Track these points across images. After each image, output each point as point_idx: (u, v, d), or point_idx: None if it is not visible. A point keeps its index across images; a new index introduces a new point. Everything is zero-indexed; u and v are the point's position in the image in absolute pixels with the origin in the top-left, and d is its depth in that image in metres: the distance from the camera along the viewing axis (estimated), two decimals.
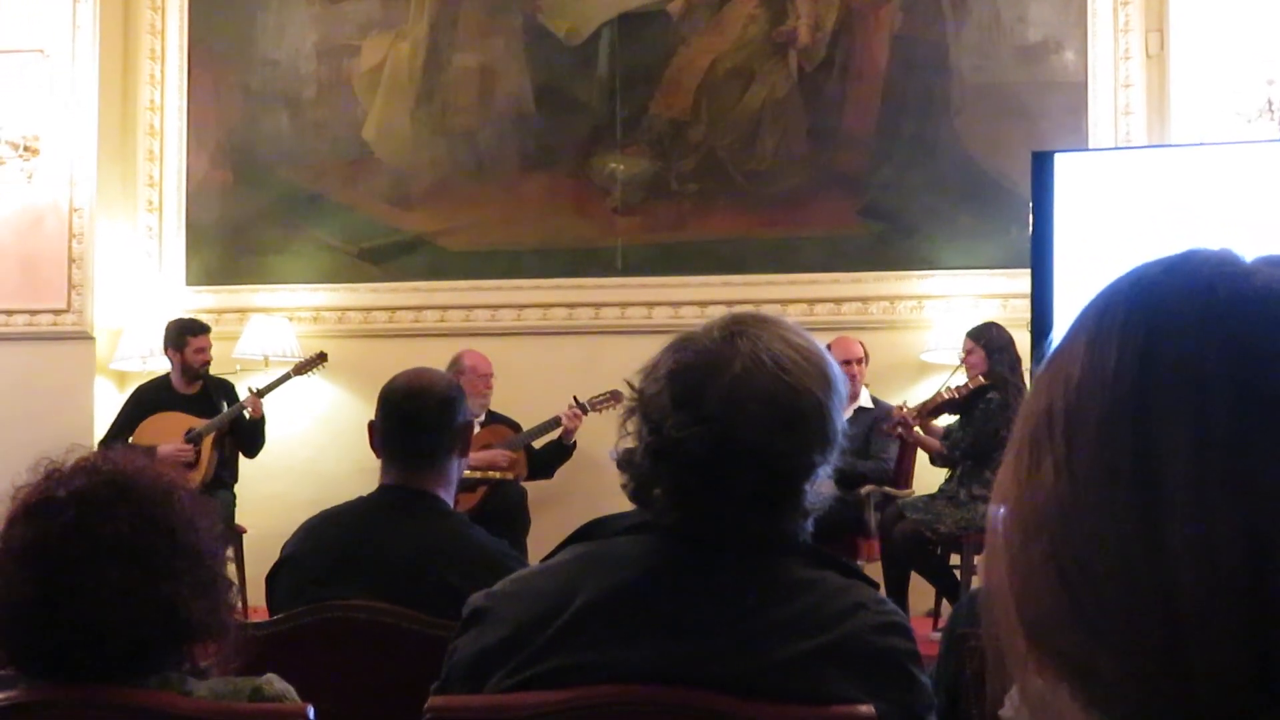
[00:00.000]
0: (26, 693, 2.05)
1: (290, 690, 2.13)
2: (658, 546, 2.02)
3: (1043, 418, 0.90)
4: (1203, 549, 0.82)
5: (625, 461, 2.05)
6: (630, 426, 2.04)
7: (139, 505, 2.07)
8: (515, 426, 8.44)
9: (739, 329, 2.02)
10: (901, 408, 7.81)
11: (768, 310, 8.42)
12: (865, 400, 8.01)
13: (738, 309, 2.10)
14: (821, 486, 2.05)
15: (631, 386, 2.07)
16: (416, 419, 3.42)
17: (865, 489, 7.67)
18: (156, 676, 2.07)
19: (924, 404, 7.83)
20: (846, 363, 7.88)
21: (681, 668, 1.93)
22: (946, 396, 7.67)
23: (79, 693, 2.05)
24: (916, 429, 7.73)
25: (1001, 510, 0.92)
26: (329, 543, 3.37)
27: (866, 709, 1.88)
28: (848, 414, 7.73)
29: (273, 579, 3.44)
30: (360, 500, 3.47)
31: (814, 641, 1.93)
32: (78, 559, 2.02)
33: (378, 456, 3.51)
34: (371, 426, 3.51)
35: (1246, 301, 0.86)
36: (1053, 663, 0.87)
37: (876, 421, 7.84)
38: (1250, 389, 0.83)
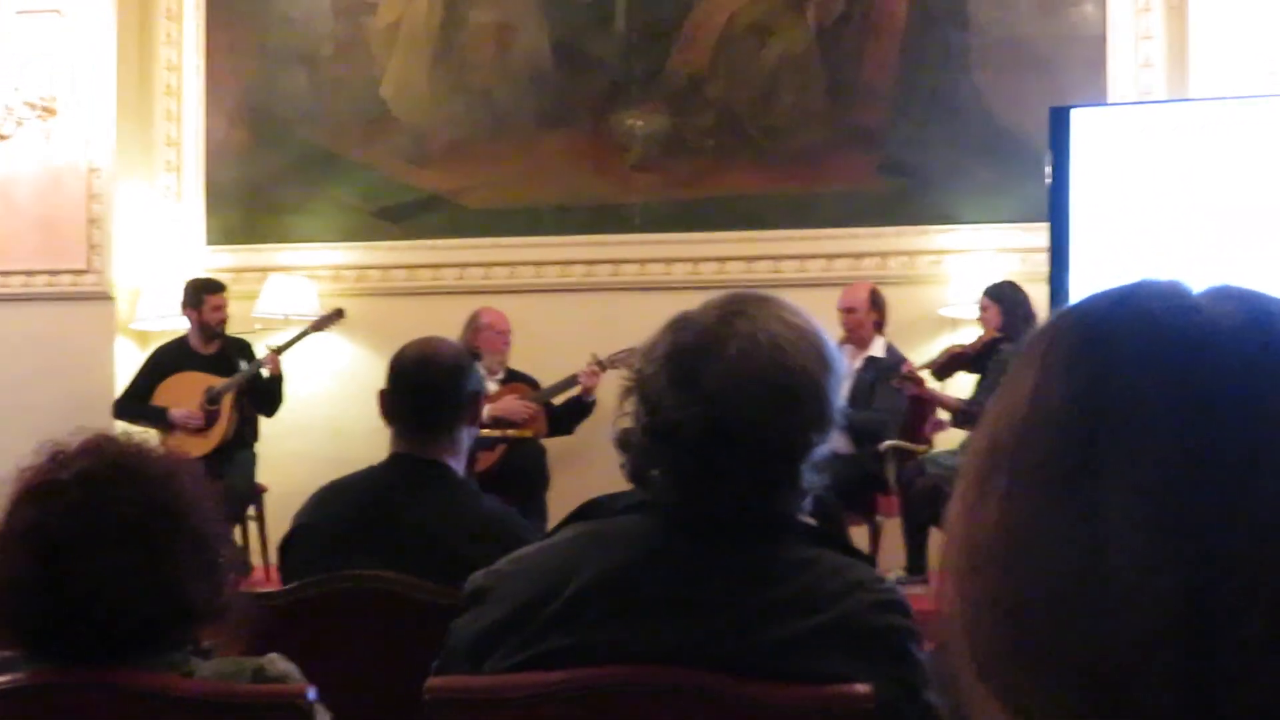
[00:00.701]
0: (30, 676, 2.07)
1: (294, 670, 2.15)
2: (656, 527, 2.02)
3: (989, 450, 0.90)
4: (1143, 590, 0.82)
5: (623, 442, 2.06)
6: (628, 407, 2.05)
7: (142, 488, 2.09)
8: (534, 384, 8.45)
9: (736, 309, 2.02)
10: (909, 365, 7.81)
11: (786, 266, 8.55)
12: (878, 349, 7.95)
13: (737, 290, 2.09)
14: (820, 462, 2.05)
15: (629, 366, 2.08)
16: (426, 388, 3.44)
17: (884, 445, 7.67)
18: (161, 658, 2.09)
19: (935, 360, 7.82)
20: (848, 310, 7.87)
21: (680, 648, 1.94)
22: (957, 351, 7.67)
23: (82, 675, 2.07)
24: (932, 385, 7.71)
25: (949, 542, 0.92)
26: (340, 512, 3.38)
27: (864, 688, 1.89)
28: (857, 363, 7.73)
29: (285, 548, 3.47)
30: (370, 469, 3.48)
31: (812, 621, 1.94)
32: (80, 540, 2.04)
33: (388, 425, 3.52)
34: (382, 395, 3.53)
35: (1193, 339, 0.86)
36: (999, 698, 0.87)
37: (884, 372, 7.80)
38: (1195, 431, 0.83)
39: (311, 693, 2.08)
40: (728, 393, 1.96)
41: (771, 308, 2.04)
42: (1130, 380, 0.85)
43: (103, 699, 2.07)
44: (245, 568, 7.56)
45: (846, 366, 7.85)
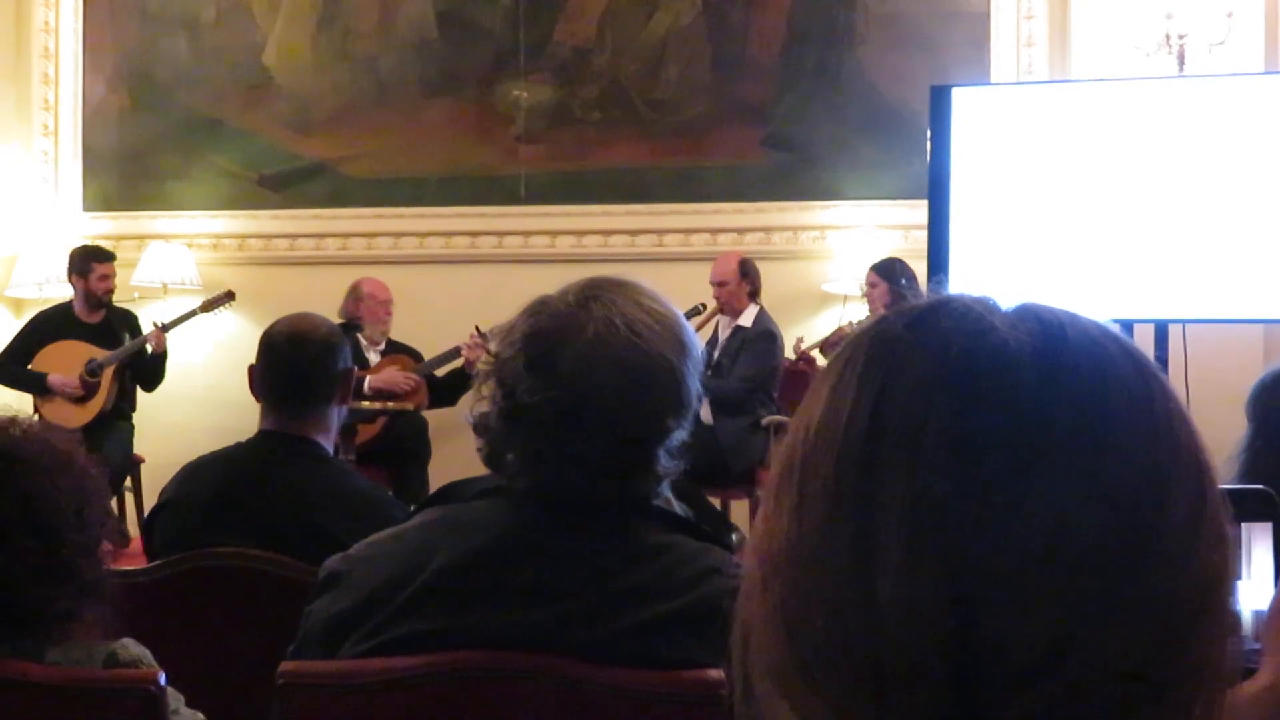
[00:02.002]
0: None
1: (146, 654, 2.12)
2: (511, 511, 2.02)
3: (785, 463, 0.91)
4: (910, 606, 0.82)
5: (480, 425, 2.05)
6: (485, 390, 2.04)
7: (10, 479, 2.06)
8: (416, 355, 8.41)
9: (594, 293, 2.02)
10: (799, 342, 7.86)
11: (670, 240, 8.56)
12: (745, 320, 7.97)
13: (595, 275, 2.08)
14: (677, 447, 2.05)
15: (486, 350, 2.07)
16: (296, 365, 3.41)
17: (766, 420, 7.70)
18: (8, 644, 2.05)
19: (826, 339, 7.86)
20: (720, 283, 7.91)
21: (534, 633, 1.94)
22: (847, 330, 7.71)
23: None
24: (823, 363, 7.75)
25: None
26: (206, 488, 3.35)
27: (716, 674, 1.90)
28: (726, 332, 7.76)
29: (150, 524, 3.43)
30: (238, 445, 3.44)
31: (666, 606, 1.94)
32: None
33: (258, 401, 3.49)
34: (252, 371, 3.49)
35: (976, 363, 0.86)
36: (786, 706, 0.88)
37: (747, 341, 7.82)
38: (965, 454, 0.83)
39: (162, 678, 2.06)
40: (583, 377, 1.95)
41: (629, 292, 2.04)
42: (910, 401, 0.86)
43: None
44: (123, 539, 7.48)
45: (716, 337, 7.90)
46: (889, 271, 7.81)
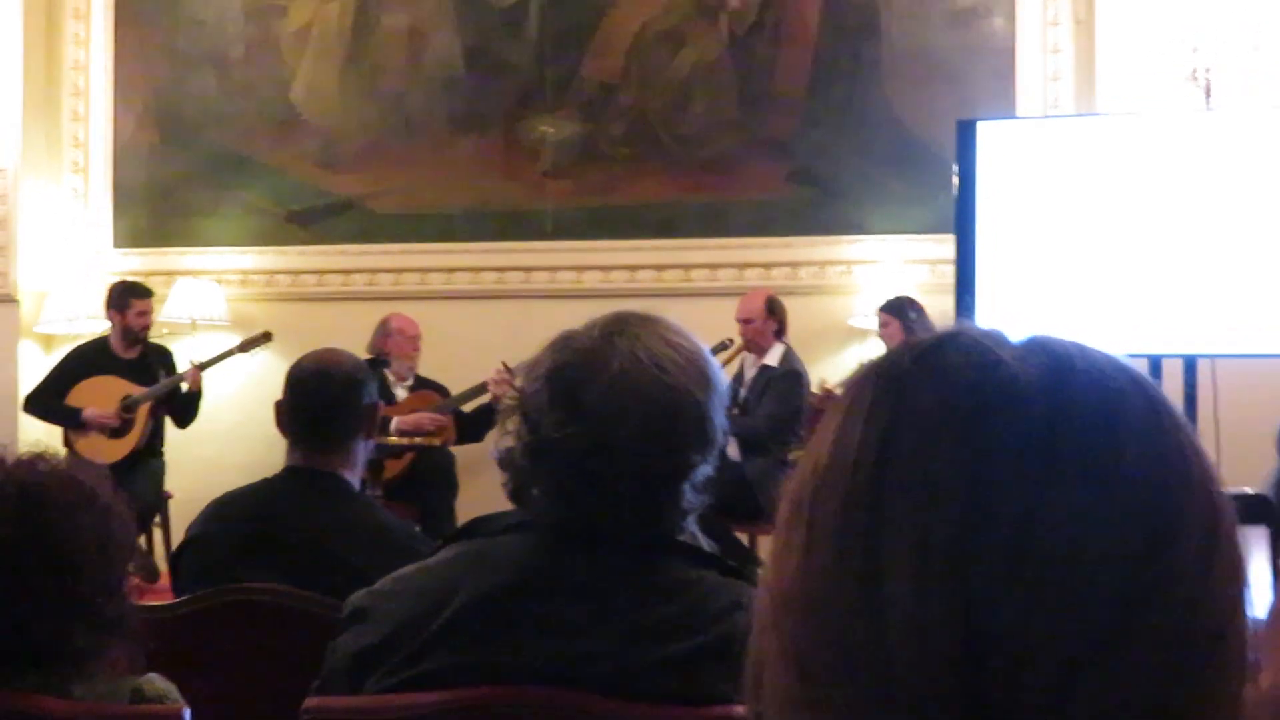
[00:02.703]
0: None
1: (172, 690, 2.13)
2: (536, 546, 2.01)
3: (794, 501, 0.90)
4: (920, 642, 0.82)
5: (505, 460, 2.05)
6: (510, 425, 2.04)
7: (32, 513, 2.06)
8: (443, 391, 8.42)
9: (619, 328, 2.02)
10: (824, 384, 7.85)
11: (697, 275, 8.56)
12: (772, 359, 7.98)
13: (621, 310, 2.08)
14: (702, 482, 2.05)
15: (512, 385, 2.07)
16: (322, 400, 3.42)
17: (791, 455, 7.69)
18: (35, 676, 2.06)
19: (849, 378, 7.84)
20: (746, 321, 7.91)
21: (559, 668, 1.93)
22: None
23: None
24: None
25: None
26: (233, 524, 3.36)
27: (741, 710, 1.88)
28: (753, 370, 7.75)
29: (176, 560, 3.44)
30: (265, 481, 3.45)
31: (691, 642, 1.94)
32: None
33: (285, 437, 3.50)
34: (278, 407, 3.51)
35: (984, 398, 0.85)
36: None
37: (773, 380, 7.82)
38: (973, 488, 0.83)
39: (187, 714, 2.05)
40: (608, 412, 1.95)
41: (654, 327, 2.04)
42: (918, 437, 0.86)
43: None
44: (153, 575, 7.49)
45: (743, 375, 7.89)
46: (898, 310, 7.81)
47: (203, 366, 8.40)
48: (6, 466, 2.12)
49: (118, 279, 8.71)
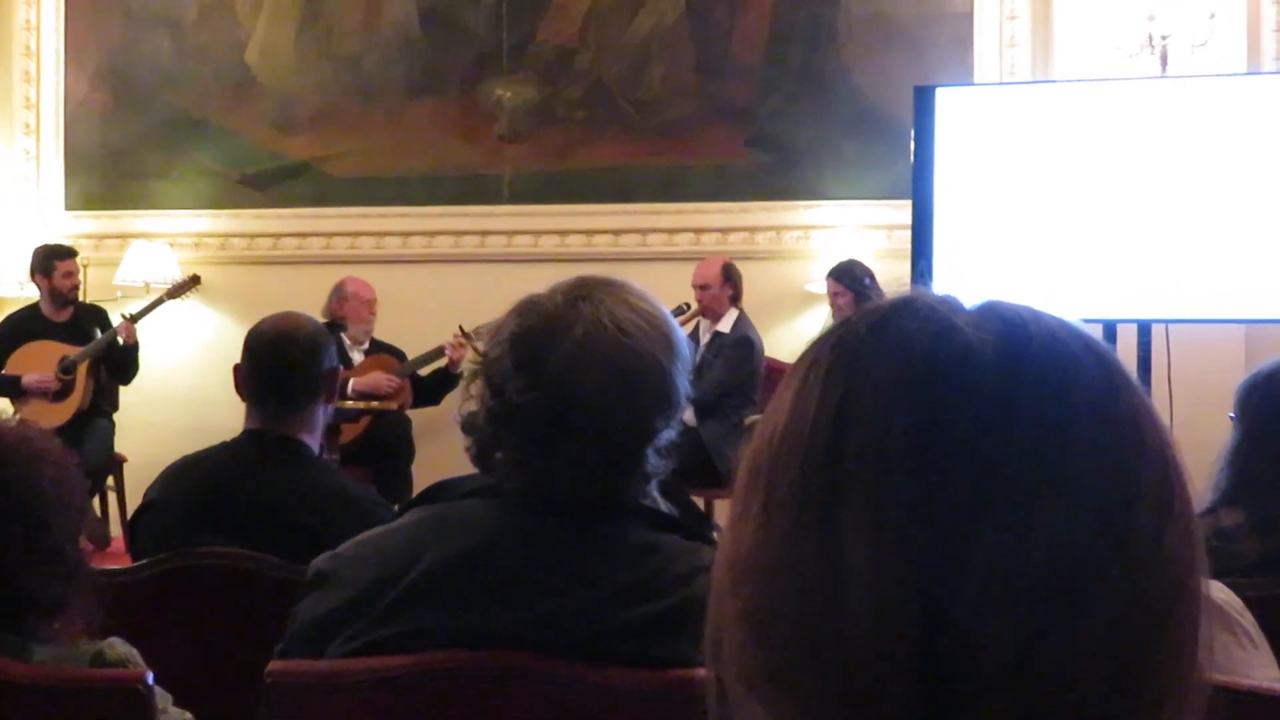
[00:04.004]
0: None
1: (134, 654, 2.12)
2: (500, 511, 2.01)
3: (750, 468, 0.90)
4: (877, 611, 0.82)
5: (468, 425, 2.05)
6: (474, 390, 2.04)
7: None
8: (400, 355, 8.40)
9: (582, 293, 2.02)
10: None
11: (654, 240, 8.56)
12: (725, 325, 8.01)
13: (584, 274, 2.08)
14: (666, 446, 2.05)
15: (475, 350, 2.07)
16: (281, 364, 3.40)
17: (750, 420, 7.71)
18: None
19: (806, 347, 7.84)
20: (702, 286, 7.93)
21: (522, 633, 1.93)
22: None
23: None
24: None
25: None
26: (191, 488, 3.34)
27: (704, 673, 1.89)
28: (705, 337, 7.77)
29: (134, 524, 3.42)
30: (224, 445, 3.44)
31: (654, 606, 1.94)
32: None
33: (243, 400, 3.48)
34: (237, 370, 3.49)
35: (939, 365, 0.85)
36: (759, 710, 0.88)
37: (723, 347, 7.83)
38: (929, 456, 0.83)
39: (150, 677, 2.05)
40: (571, 376, 1.95)
41: (618, 292, 2.04)
42: (874, 404, 0.85)
43: None
44: (104, 539, 7.45)
45: (698, 340, 7.91)
46: (849, 276, 7.82)
47: (135, 318, 8.31)
48: None
49: (59, 242, 8.63)
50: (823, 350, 0.91)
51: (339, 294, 8.37)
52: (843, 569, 0.83)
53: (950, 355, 0.86)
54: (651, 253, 8.71)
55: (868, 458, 0.84)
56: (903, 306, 0.90)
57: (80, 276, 8.44)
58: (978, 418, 0.84)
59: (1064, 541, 0.82)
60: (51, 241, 8.62)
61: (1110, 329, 5.57)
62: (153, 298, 8.57)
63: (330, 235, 9.13)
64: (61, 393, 8.17)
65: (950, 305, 0.89)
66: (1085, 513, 0.83)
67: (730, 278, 8.02)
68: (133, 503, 7.96)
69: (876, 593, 0.82)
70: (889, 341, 0.88)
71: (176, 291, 8.55)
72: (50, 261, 8.33)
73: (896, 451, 0.84)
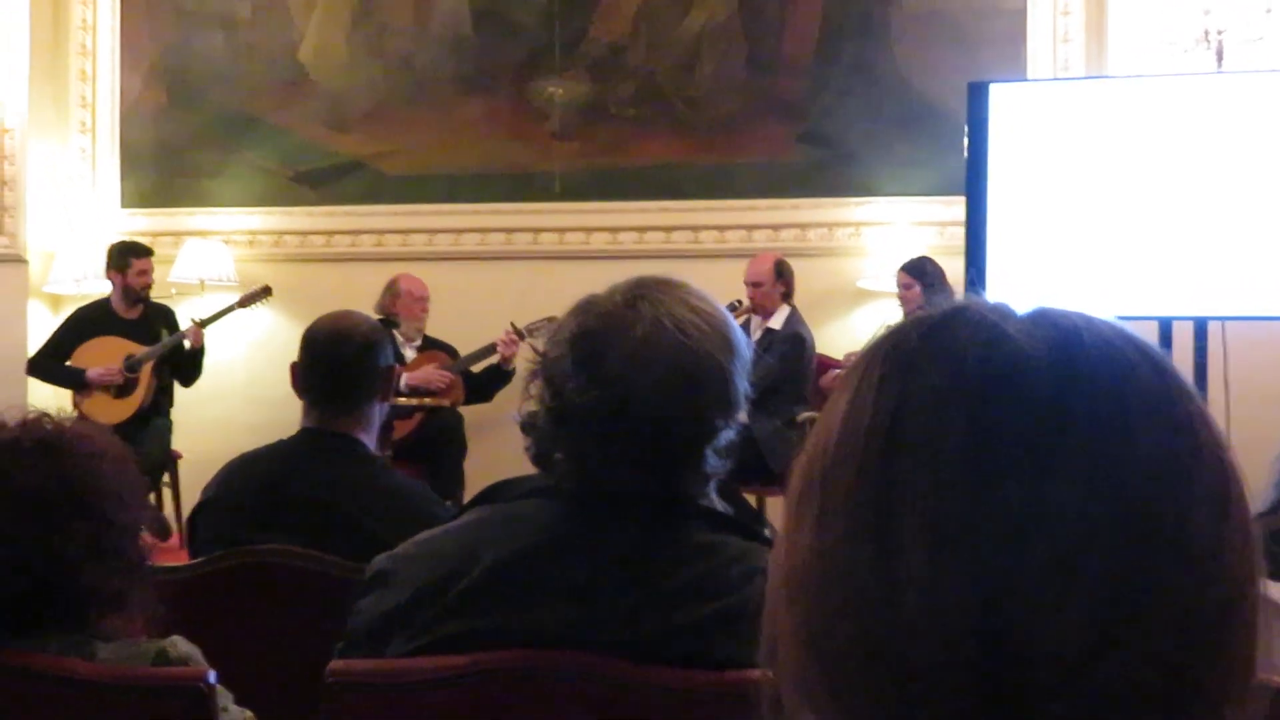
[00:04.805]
0: None
1: (195, 652, 2.14)
2: (559, 510, 2.02)
3: (805, 476, 0.91)
4: (936, 616, 0.82)
5: (528, 425, 2.05)
6: (534, 390, 2.04)
7: (56, 466, 2.10)
8: (452, 352, 8.43)
9: (641, 293, 2.02)
10: (850, 358, 7.85)
11: (705, 237, 8.56)
12: (777, 321, 7.99)
13: (643, 274, 2.08)
14: (725, 446, 2.05)
15: (535, 349, 2.07)
16: (338, 362, 3.42)
17: (802, 417, 7.70)
18: (59, 638, 2.07)
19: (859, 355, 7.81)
20: (754, 284, 7.91)
21: (580, 632, 1.94)
22: None
23: None
24: None
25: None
26: (248, 486, 3.36)
27: (761, 674, 1.89)
28: (757, 334, 7.74)
29: (193, 522, 3.45)
30: (280, 443, 3.46)
31: (711, 606, 1.94)
32: None
33: (300, 398, 3.50)
34: (294, 368, 3.51)
35: (991, 371, 0.86)
36: (814, 718, 0.87)
37: (775, 344, 7.81)
38: (984, 462, 0.83)
39: (212, 676, 2.07)
40: (631, 376, 1.95)
41: (677, 291, 2.04)
42: (927, 413, 0.86)
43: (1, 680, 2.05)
44: (166, 532, 7.51)
45: (749, 334, 7.89)
46: (920, 271, 7.83)
47: (204, 324, 8.41)
48: (21, 423, 2.14)
49: (121, 239, 8.71)
50: (875, 359, 0.91)
51: (392, 291, 8.40)
52: (899, 579, 0.83)
53: (1002, 362, 0.86)
54: (703, 250, 8.71)
55: (923, 467, 0.84)
56: (954, 315, 0.90)
57: (153, 275, 8.50)
58: (1032, 425, 0.84)
59: (1120, 543, 0.82)
60: (126, 239, 8.69)
61: (1165, 326, 5.53)
62: (224, 304, 8.64)
63: (382, 232, 9.17)
64: (124, 390, 8.24)
65: (1002, 313, 0.89)
66: (1142, 519, 0.83)
67: (782, 274, 8.01)
68: (188, 498, 8.06)
69: (933, 602, 0.82)
70: (941, 350, 0.88)
71: (248, 301, 8.60)
72: (126, 258, 8.42)
73: (951, 460, 0.84)
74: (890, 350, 0.91)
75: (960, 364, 0.86)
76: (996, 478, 0.83)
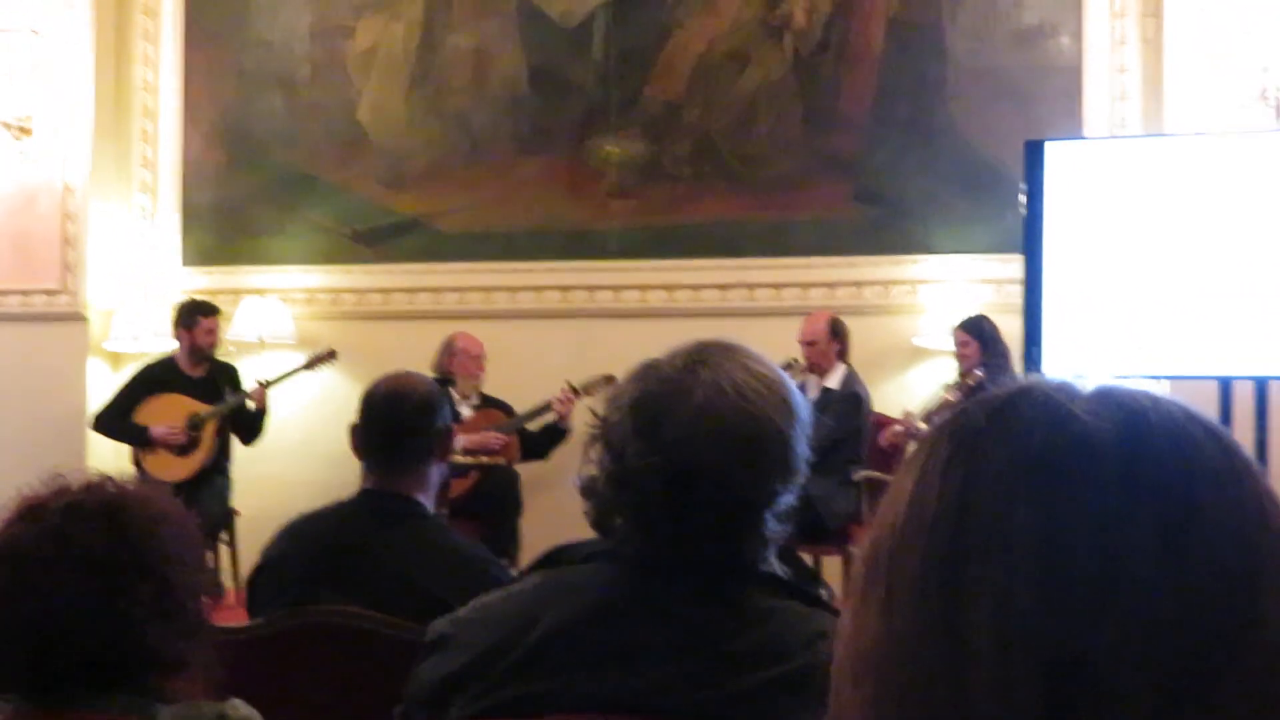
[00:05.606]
0: None
1: (255, 715, 2.14)
2: (618, 575, 2.02)
3: (872, 557, 0.90)
4: (1004, 699, 0.82)
5: (588, 489, 2.05)
6: (593, 454, 2.05)
7: (120, 527, 2.11)
8: (508, 410, 8.44)
9: (702, 357, 2.02)
10: (908, 416, 7.84)
11: (761, 295, 8.55)
12: (833, 380, 7.95)
13: (702, 338, 2.08)
14: (785, 511, 2.05)
15: (594, 413, 2.07)
16: (396, 424, 3.44)
17: (858, 475, 7.68)
18: (121, 700, 2.08)
19: (930, 412, 7.79)
20: (809, 343, 7.88)
21: (640, 698, 1.93)
22: (954, 400, 7.67)
23: (39, 717, 2.06)
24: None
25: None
26: (308, 547, 3.38)
27: None
28: (814, 393, 7.70)
29: (252, 583, 3.46)
30: (339, 504, 3.47)
31: (773, 671, 1.93)
32: (45, 564, 2.06)
33: (359, 459, 3.52)
34: (353, 429, 3.53)
35: (1058, 454, 0.85)
36: None
37: (832, 403, 7.77)
38: (1052, 546, 0.83)
39: None
40: (691, 442, 1.95)
41: (737, 356, 2.04)
42: (994, 495, 0.86)
43: None
44: (218, 589, 7.55)
45: (805, 394, 7.86)
46: (977, 330, 7.80)
47: (268, 384, 8.47)
48: (84, 486, 2.17)
49: (185, 297, 8.80)
50: (941, 439, 0.91)
51: (448, 349, 8.43)
52: (968, 659, 0.83)
53: (1069, 444, 0.86)
54: (758, 308, 8.70)
55: (989, 551, 0.84)
56: (1020, 395, 0.90)
57: (220, 334, 8.57)
58: (1100, 506, 0.84)
59: (1190, 631, 0.82)
60: (194, 298, 8.78)
61: (1225, 385, 5.50)
62: (281, 363, 8.70)
63: (439, 290, 9.21)
64: (187, 448, 8.30)
65: (1068, 393, 0.89)
66: (1212, 600, 0.82)
67: (837, 333, 7.99)
68: (245, 554, 8.10)
69: (1003, 682, 0.82)
70: (1007, 431, 0.88)
71: (313, 364, 8.66)
72: (194, 316, 8.50)
73: (1019, 542, 0.84)
74: (956, 430, 0.91)
75: (1027, 444, 0.86)
76: (1065, 559, 0.83)
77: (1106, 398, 0.89)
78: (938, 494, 0.87)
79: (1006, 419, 0.89)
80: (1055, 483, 0.84)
